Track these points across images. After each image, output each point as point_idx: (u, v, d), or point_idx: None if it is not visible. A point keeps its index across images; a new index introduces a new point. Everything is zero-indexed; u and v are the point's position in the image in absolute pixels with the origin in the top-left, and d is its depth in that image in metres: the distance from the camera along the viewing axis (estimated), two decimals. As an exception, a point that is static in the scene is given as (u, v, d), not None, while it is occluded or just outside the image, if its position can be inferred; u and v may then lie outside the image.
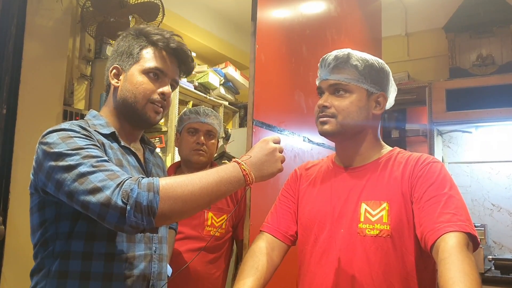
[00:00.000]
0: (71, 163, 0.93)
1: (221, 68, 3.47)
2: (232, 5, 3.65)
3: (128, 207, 0.88)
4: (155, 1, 2.48)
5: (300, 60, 1.99)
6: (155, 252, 1.11)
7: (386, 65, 1.20)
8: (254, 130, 1.60)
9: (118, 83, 1.12)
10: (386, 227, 1.06)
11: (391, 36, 3.66)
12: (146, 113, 1.11)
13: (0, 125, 2.04)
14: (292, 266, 1.23)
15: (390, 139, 3.56)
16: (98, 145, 1.02)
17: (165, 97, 1.12)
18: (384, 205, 1.08)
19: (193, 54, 3.24)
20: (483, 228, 3.09)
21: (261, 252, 1.16)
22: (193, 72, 3.23)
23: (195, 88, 3.15)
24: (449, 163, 3.48)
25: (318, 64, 1.21)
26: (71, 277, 0.99)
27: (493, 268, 2.87)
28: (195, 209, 0.97)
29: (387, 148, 1.21)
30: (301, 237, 1.20)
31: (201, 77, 3.25)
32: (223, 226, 1.82)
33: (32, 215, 1.06)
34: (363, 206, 1.10)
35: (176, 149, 2.27)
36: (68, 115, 2.37)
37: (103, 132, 1.09)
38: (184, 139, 1.89)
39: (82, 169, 0.92)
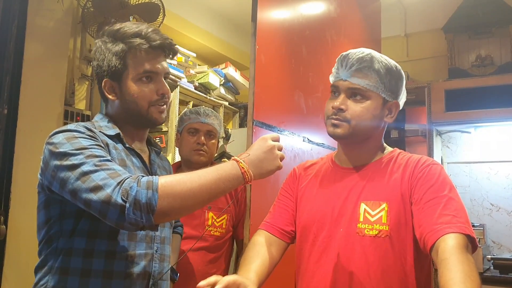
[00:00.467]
0: (75, 162, 0.95)
1: (221, 69, 3.48)
2: (232, 6, 3.65)
3: (127, 205, 0.90)
4: (156, 2, 2.48)
5: (300, 61, 2.00)
6: (156, 251, 1.13)
7: (402, 70, 1.18)
8: (254, 130, 1.61)
9: (115, 96, 1.13)
10: (385, 228, 1.06)
11: (390, 36, 3.67)
12: (152, 116, 1.13)
13: (1, 125, 2.04)
14: (289, 265, 1.24)
15: (389, 139, 3.57)
16: (102, 145, 1.04)
17: (164, 95, 1.14)
18: (384, 205, 1.08)
19: (193, 55, 3.27)
20: (482, 228, 3.10)
21: (260, 245, 1.17)
22: (194, 73, 3.25)
23: (195, 89, 3.16)
24: (448, 163, 3.49)
25: (337, 60, 1.17)
26: (72, 273, 1.01)
27: (492, 267, 2.88)
28: (194, 207, 0.98)
29: (388, 149, 1.21)
30: (299, 236, 1.21)
31: (201, 78, 3.26)
32: (224, 226, 1.83)
33: (38, 213, 1.08)
34: (363, 206, 1.10)
35: (177, 149, 2.27)
36: (69, 115, 2.37)
37: (108, 133, 1.10)
38: (184, 139, 1.90)
39: (85, 168, 0.94)
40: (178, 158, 2.68)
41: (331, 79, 1.19)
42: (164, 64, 1.15)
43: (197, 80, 3.23)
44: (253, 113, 1.61)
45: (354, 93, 1.13)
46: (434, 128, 3.24)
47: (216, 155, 2.36)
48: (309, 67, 2.04)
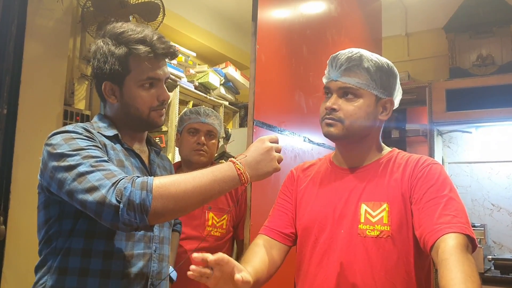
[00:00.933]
0: (72, 163, 0.96)
1: (222, 68, 3.47)
2: (232, 5, 3.65)
3: (121, 205, 0.90)
4: (156, 1, 2.48)
5: (300, 60, 1.99)
6: (155, 251, 1.12)
7: (394, 67, 1.18)
8: (254, 130, 1.60)
9: (115, 99, 1.12)
10: (387, 228, 1.06)
11: (391, 36, 3.66)
12: (152, 120, 1.13)
13: (1, 125, 2.04)
14: (289, 267, 1.23)
15: (390, 139, 3.57)
16: (100, 146, 1.04)
17: (165, 101, 1.14)
18: (384, 206, 1.08)
19: (193, 54, 3.27)
20: (483, 228, 3.09)
21: (260, 246, 1.16)
22: (194, 72, 3.25)
23: (195, 88, 3.16)
24: (449, 163, 3.48)
25: (328, 62, 1.18)
26: (70, 273, 1.02)
27: (492, 268, 2.88)
28: (188, 208, 0.98)
29: (386, 149, 1.21)
30: (300, 238, 1.20)
31: (201, 77, 3.25)
32: (224, 226, 1.82)
33: (38, 213, 1.09)
34: (363, 207, 1.10)
35: (177, 149, 2.27)
36: (69, 115, 2.37)
37: (106, 134, 1.10)
38: (184, 139, 1.90)
39: (82, 168, 0.94)
40: (178, 158, 2.67)
41: (324, 81, 1.20)
42: (166, 69, 1.15)
43: (197, 80, 3.23)
44: (254, 113, 1.60)
45: (346, 92, 1.13)
46: (435, 128, 3.23)
47: (216, 155, 2.35)
48: (310, 66, 2.03)
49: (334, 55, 1.16)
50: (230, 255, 1.91)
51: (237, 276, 0.91)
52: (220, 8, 3.75)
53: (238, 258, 1.99)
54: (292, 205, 1.24)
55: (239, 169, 1.01)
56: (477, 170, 3.38)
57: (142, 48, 1.07)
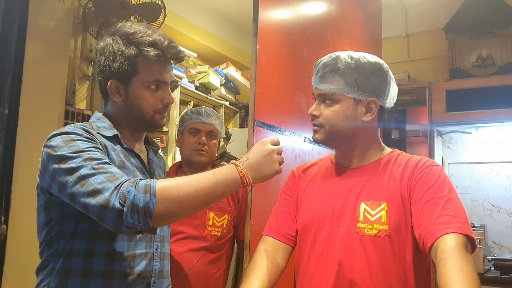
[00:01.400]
0: (73, 165, 0.95)
1: (222, 69, 3.48)
2: (233, 6, 3.65)
3: (125, 209, 0.90)
4: (157, 2, 2.48)
5: (301, 61, 1.99)
6: (156, 250, 1.13)
7: (382, 66, 1.16)
8: (255, 130, 1.61)
9: (119, 98, 1.12)
10: (385, 227, 1.06)
11: (391, 37, 3.67)
12: (155, 122, 1.14)
13: (2, 125, 2.05)
14: (289, 265, 1.24)
15: (390, 140, 3.57)
16: (100, 147, 1.03)
17: (168, 104, 1.15)
18: (383, 205, 1.08)
19: (194, 55, 3.27)
20: (482, 229, 3.10)
21: (265, 255, 1.17)
22: (194, 73, 3.25)
23: (196, 89, 3.16)
24: (449, 163, 3.49)
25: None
26: (73, 274, 1.02)
27: (492, 268, 2.88)
28: (191, 210, 0.98)
29: (387, 150, 1.21)
30: (300, 236, 1.21)
31: (202, 78, 3.26)
32: (224, 226, 1.83)
33: (39, 215, 1.08)
34: (362, 205, 1.10)
35: (178, 149, 2.27)
36: (70, 115, 2.38)
37: (106, 135, 1.10)
38: (185, 139, 1.90)
39: (83, 171, 0.94)
40: (179, 158, 2.68)
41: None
42: (172, 73, 1.16)
43: (197, 80, 3.23)
44: (254, 113, 1.61)
45: (324, 99, 1.16)
46: (435, 129, 3.23)
47: (216, 155, 2.36)
48: (310, 67, 2.01)
49: (316, 62, 1.20)
50: (231, 255, 1.92)
51: None
52: (221, 9, 3.75)
53: (238, 258, 2.00)
54: (294, 205, 1.25)
55: (241, 171, 1.01)
56: (477, 171, 3.38)
57: (152, 51, 1.08)
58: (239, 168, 1.02)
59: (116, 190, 0.91)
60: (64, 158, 0.96)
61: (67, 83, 2.41)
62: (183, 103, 3.12)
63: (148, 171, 1.18)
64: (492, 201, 3.30)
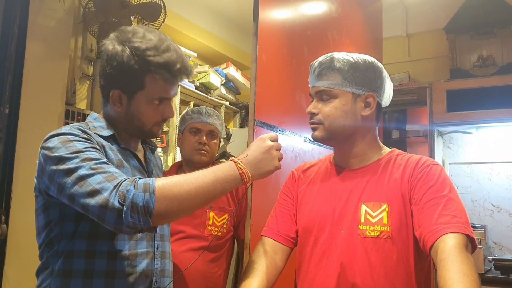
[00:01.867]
0: (71, 166, 0.94)
1: (222, 68, 3.48)
2: (233, 6, 3.66)
3: (125, 208, 0.89)
4: (157, 2, 2.48)
5: (301, 61, 1.99)
6: (157, 249, 1.13)
7: (375, 62, 1.18)
8: (255, 130, 1.61)
9: (120, 107, 1.11)
10: (387, 229, 1.06)
11: (392, 37, 3.67)
12: (151, 133, 1.15)
13: (3, 124, 2.05)
14: (289, 267, 1.24)
15: (391, 140, 3.57)
16: (98, 147, 1.03)
17: (168, 118, 1.15)
18: (384, 206, 1.08)
19: (194, 55, 3.27)
20: (483, 229, 3.10)
21: (263, 256, 1.17)
22: (195, 72, 3.25)
23: (196, 88, 3.16)
24: (449, 163, 3.49)
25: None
26: (75, 275, 1.01)
27: (493, 268, 2.88)
28: (191, 209, 0.98)
29: (386, 150, 1.21)
30: (300, 238, 1.21)
31: (202, 77, 3.26)
32: (225, 226, 1.83)
33: (37, 217, 1.07)
34: (363, 207, 1.10)
35: (178, 148, 2.27)
36: (70, 114, 2.38)
37: (103, 134, 1.10)
38: (186, 139, 1.90)
39: (81, 172, 0.93)
40: (179, 158, 2.68)
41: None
42: (177, 87, 1.15)
43: (198, 80, 3.23)
44: (254, 113, 1.61)
45: (322, 96, 1.17)
46: (436, 129, 3.23)
47: (217, 155, 2.36)
48: (311, 67, 2.03)
49: (311, 63, 1.21)
50: (231, 255, 1.92)
51: None
52: (221, 9, 3.75)
53: (238, 258, 2.00)
54: (294, 206, 1.25)
55: (240, 168, 1.01)
56: (478, 171, 3.38)
57: (163, 73, 1.06)
58: (238, 165, 1.01)
59: (115, 190, 0.91)
60: (61, 159, 0.95)
61: (68, 83, 2.41)
62: (184, 103, 3.12)
63: (146, 170, 1.18)
64: (492, 201, 3.30)
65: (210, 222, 1.81)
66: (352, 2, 2.64)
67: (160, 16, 2.53)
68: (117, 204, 0.89)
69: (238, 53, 3.95)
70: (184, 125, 1.92)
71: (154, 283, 1.10)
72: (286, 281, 1.32)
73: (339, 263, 1.09)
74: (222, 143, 2.56)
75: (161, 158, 2.86)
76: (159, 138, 2.88)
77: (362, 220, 1.09)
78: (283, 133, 1.81)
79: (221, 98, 3.47)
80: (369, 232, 1.07)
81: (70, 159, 0.95)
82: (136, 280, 1.06)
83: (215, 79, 3.31)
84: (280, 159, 1.08)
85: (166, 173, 1.61)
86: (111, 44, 1.08)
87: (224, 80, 3.46)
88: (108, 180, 0.92)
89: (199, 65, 3.52)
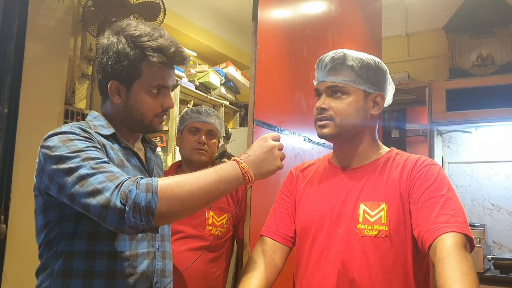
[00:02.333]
0: (72, 165, 0.93)
1: (222, 68, 3.48)
2: (233, 5, 3.65)
3: (127, 208, 0.89)
4: (156, 1, 2.49)
5: (300, 60, 1.99)
6: (158, 249, 1.13)
7: (382, 63, 1.19)
8: (254, 129, 1.61)
9: (119, 99, 1.10)
10: (385, 228, 1.06)
11: (391, 36, 3.67)
12: (153, 126, 1.13)
13: (2, 124, 2.05)
14: (288, 267, 1.24)
15: (390, 139, 3.57)
16: (99, 146, 1.02)
17: (168, 109, 1.14)
18: (383, 205, 1.08)
19: (194, 54, 3.27)
20: (482, 228, 3.10)
21: (263, 255, 1.16)
22: (194, 72, 3.25)
23: (196, 88, 3.16)
24: (448, 163, 3.49)
25: (315, 65, 1.21)
26: (75, 276, 1.00)
27: (492, 267, 2.88)
28: (194, 208, 0.97)
29: (385, 149, 1.21)
30: (298, 237, 1.21)
31: (202, 77, 3.26)
32: (224, 226, 1.83)
33: (37, 217, 1.07)
34: (362, 206, 1.10)
35: (177, 148, 2.27)
36: (70, 114, 2.38)
37: (103, 133, 1.09)
38: (185, 139, 1.90)
39: (82, 171, 0.92)
40: (178, 157, 2.68)
41: (314, 83, 1.21)
42: (174, 77, 1.15)
43: (197, 80, 3.23)
44: (254, 113, 1.61)
45: (334, 91, 1.15)
46: (435, 128, 3.24)
47: (216, 154, 2.36)
48: (310, 66, 2.02)
49: (320, 58, 1.19)
50: (231, 254, 1.92)
51: None
52: (221, 8, 3.75)
53: (238, 257, 2.00)
54: (292, 205, 1.25)
55: (243, 168, 1.01)
56: (477, 170, 3.38)
57: (158, 57, 1.06)
58: (241, 164, 1.01)
59: (117, 190, 0.90)
60: (62, 159, 0.94)
61: (67, 83, 2.42)
62: (183, 102, 3.12)
63: (147, 170, 1.17)
64: (492, 200, 3.30)
65: (210, 222, 1.81)
66: (352, 2, 2.64)
67: (160, 16, 2.53)
68: (119, 204, 0.89)
69: (238, 53, 3.95)
70: (183, 125, 1.92)
71: (154, 284, 1.09)
72: (285, 281, 1.32)
73: (337, 262, 1.09)
74: (221, 142, 2.57)
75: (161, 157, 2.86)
76: (158, 137, 2.88)
77: (361, 219, 1.09)
78: (282, 133, 1.81)
79: (220, 98, 3.47)
80: (367, 231, 1.07)
81: (70, 158, 0.94)
82: (137, 280, 1.05)
83: (214, 79, 3.31)
84: (282, 159, 1.08)
85: (165, 173, 1.61)
86: (106, 38, 1.10)
87: (224, 80, 3.46)
88: (110, 180, 0.91)
89: (199, 64, 3.52)
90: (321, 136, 1.17)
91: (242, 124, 3.68)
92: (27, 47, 2.14)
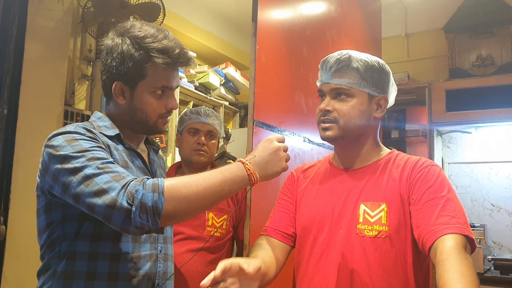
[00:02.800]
0: (77, 165, 0.93)
1: (222, 69, 3.48)
2: (232, 6, 3.65)
3: (133, 208, 0.88)
4: (156, 2, 2.49)
5: (300, 61, 1.99)
6: (160, 251, 1.12)
7: (386, 65, 1.19)
8: (254, 130, 1.61)
9: (123, 100, 1.10)
10: (385, 228, 1.06)
11: (391, 36, 3.67)
12: (157, 127, 1.13)
13: (1, 125, 2.04)
14: (288, 267, 1.24)
15: (390, 140, 3.57)
16: (104, 146, 1.02)
17: (172, 110, 1.14)
18: (383, 206, 1.08)
19: (194, 55, 3.27)
20: (482, 228, 3.10)
21: (264, 245, 1.17)
22: (194, 72, 3.25)
23: (195, 88, 3.16)
24: (448, 163, 3.49)
25: (319, 66, 1.20)
26: (77, 277, 1.00)
27: (492, 268, 2.88)
28: (199, 209, 0.98)
29: (385, 150, 1.21)
30: (299, 238, 1.21)
31: (201, 77, 3.26)
32: (224, 226, 1.83)
33: (39, 217, 1.06)
34: (362, 207, 1.10)
35: (177, 149, 2.27)
36: (69, 115, 2.37)
37: (108, 134, 1.08)
38: (184, 139, 1.90)
39: (88, 171, 0.92)
40: (178, 158, 2.68)
41: (317, 84, 1.21)
42: (178, 78, 1.15)
43: (197, 80, 3.23)
44: (254, 113, 1.61)
45: (338, 93, 1.15)
46: (435, 128, 3.24)
47: (216, 155, 2.36)
48: (310, 67, 2.04)
49: (324, 58, 1.18)
50: (230, 256, 1.92)
51: (247, 269, 0.91)
52: (221, 9, 3.75)
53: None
54: (293, 206, 1.25)
55: (248, 169, 1.01)
56: (477, 170, 3.38)
57: (163, 58, 1.06)
58: (246, 165, 1.01)
59: (123, 190, 0.90)
60: (67, 158, 0.94)
61: (67, 83, 2.41)
62: (183, 103, 3.12)
63: (150, 171, 1.17)
64: (492, 200, 3.30)
65: (210, 223, 1.81)
66: (351, 2, 2.64)
67: (159, 16, 2.53)
68: (125, 204, 0.88)
69: (238, 53, 3.95)
70: (183, 126, 1.92)
71: (156, 286, 1.09)
72: (285, 281, 1.32)
73: (337, 262, 1.09)
74: (221, 143, 2.57)
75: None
76: (158, 138, 2.88)
77: (361, 220, 1.09)
78: (282, 133, 1.81)
79: (220, 98, 3.47)
80: (367, 232, 1.07)
81: (76, 158, 0.94)
82: (139, 282, 1.05)
83: (214, 79, 3.31)
84: (287, 161, 1.08)
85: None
86: (110, 39, 1.10)
87: (224, 80, 3.46)
88: (116, 180, 0.91)
89: (199, 65, 3.52)
90: (324, 138, 1.17)
91: (241, 125, 3.68)
92: (27, 48, 2.14)
